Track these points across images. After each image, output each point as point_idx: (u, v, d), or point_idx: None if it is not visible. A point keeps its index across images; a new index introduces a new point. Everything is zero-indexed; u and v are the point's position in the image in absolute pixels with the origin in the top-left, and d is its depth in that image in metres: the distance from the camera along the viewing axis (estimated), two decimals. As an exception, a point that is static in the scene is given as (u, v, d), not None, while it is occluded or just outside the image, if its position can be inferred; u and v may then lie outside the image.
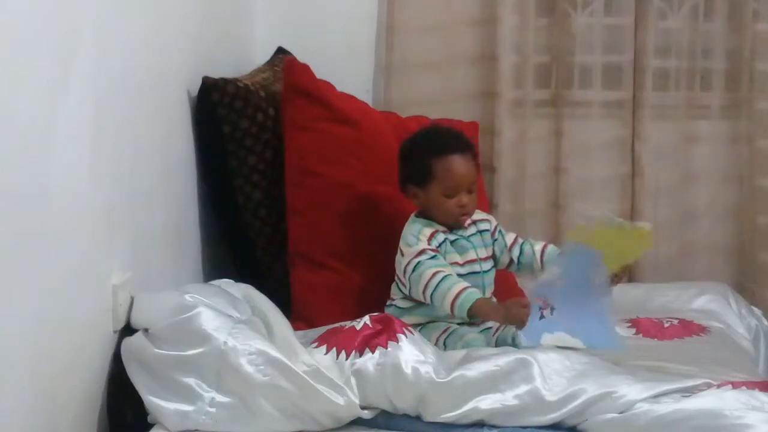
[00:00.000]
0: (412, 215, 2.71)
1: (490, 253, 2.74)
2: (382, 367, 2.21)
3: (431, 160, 2.65)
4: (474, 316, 2.52)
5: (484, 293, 2.64)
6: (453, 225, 2.69)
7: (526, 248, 2.76)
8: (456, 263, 2.64)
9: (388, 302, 2.70)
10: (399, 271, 2.65)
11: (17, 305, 1.89)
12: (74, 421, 2.16)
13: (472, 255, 2.68)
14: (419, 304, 2.62)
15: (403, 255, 2.63)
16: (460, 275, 2.60)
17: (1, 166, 1.82)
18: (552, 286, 2.52)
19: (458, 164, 2.66)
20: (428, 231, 2.64)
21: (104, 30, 2.22)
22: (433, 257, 2.59)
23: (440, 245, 2.63)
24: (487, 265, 2.71)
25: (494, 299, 2.65)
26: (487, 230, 2.76)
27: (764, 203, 3.54)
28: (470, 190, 2.66)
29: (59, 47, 2.03)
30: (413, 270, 2.59)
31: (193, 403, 2.20)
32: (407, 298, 2.65)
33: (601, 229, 2.56)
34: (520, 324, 2.45)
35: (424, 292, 2.55)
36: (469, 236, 2.70)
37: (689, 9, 3.53)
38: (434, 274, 2.54)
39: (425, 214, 2.70)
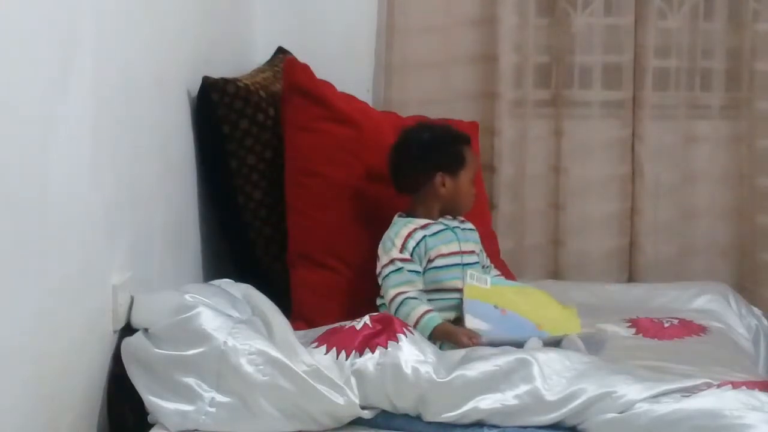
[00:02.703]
0: (395, 216, 2.75)
1: (476, 250, 2.77)
2: (382, 367, 2.21)
3: (463, 147, 2.76)
4: (436, 340, 2.54)
5: None
6: (459, 214, 2.77)
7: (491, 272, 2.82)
8: (442, 255, 2.68)
9: (379, 301, 2.71)
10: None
11: (17, 305, 1.89)
12: (74, 421, 2.16)
13: (454, 247, 2.72)
14: None
15: (378, 258, 2.69)
16: (449, 266, 2.67)
17: (1, 167, 1.82)
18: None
19: (474, 154, 2.81)
20: (405, 231, 2.69)
21: (104, 30, 2.22)
22: (397, 270, 2.64)
23: (418, 244, 2.67)
24: (470, 258, 2.74)
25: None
26: (473, 230, 2.81)
27: (764, 203, 3.54)
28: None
29: (59, 47, 2.03)
30: (382, 279, 2.66)
31: (193, 403, 2.20)
32: None
33: (496, 286, 2.67)
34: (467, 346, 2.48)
35: (389, 307, 2.62)
36: (453, 227, 2.75)
37: (689, 9, 3.52)
38: (396, 295, 2.61)
39: (412, 210, 2.74)
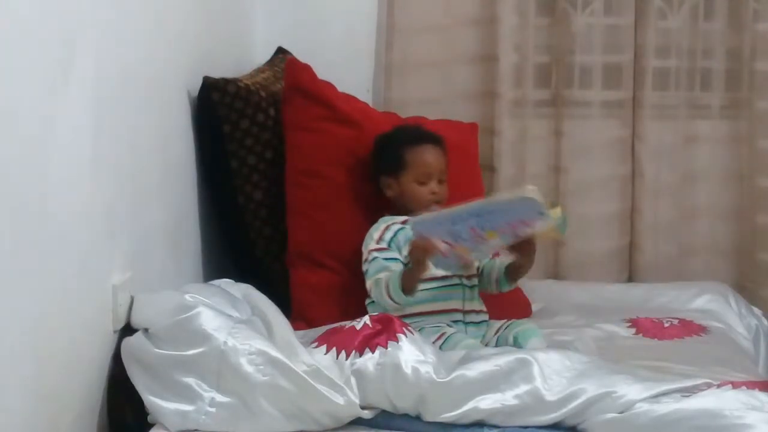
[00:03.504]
0: (381, 218, 2.78)
1: None
2: (382, 367, 2.21)
3: (404, 150, 2.79)
4: (412, 289, 2.57)
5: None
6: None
7: (488, 262, 2.77)
8: None
9: (368, 300, 2.72)
10: None
11: (17, 305, 1.89)
12: (74, 421, 2.16)
13: None
14: None
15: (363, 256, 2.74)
16: None
17: (1, 167, 1.82)
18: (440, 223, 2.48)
19: (429, 153, 2.79)
20: (383, 226, 2.74)
21: (104, 30, 2.22)
22: (373, 260, 2.69)
23: (395, 234, 2.71)
24: None
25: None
26: None
27: (764, 203, 3.54)
28: (440, 179, 2.78)
29: (59, 47, 2.03)
30: (365, 275, 2.70)
31: (193, 402, 2.20)
32: None
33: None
34: (427, 255, 2.50)
35: (372, 297, 2.67)
36: None
37: (689, 9, 3.52)
38: (372, 284, 2.65)
39: (395, 210, 2.78)
